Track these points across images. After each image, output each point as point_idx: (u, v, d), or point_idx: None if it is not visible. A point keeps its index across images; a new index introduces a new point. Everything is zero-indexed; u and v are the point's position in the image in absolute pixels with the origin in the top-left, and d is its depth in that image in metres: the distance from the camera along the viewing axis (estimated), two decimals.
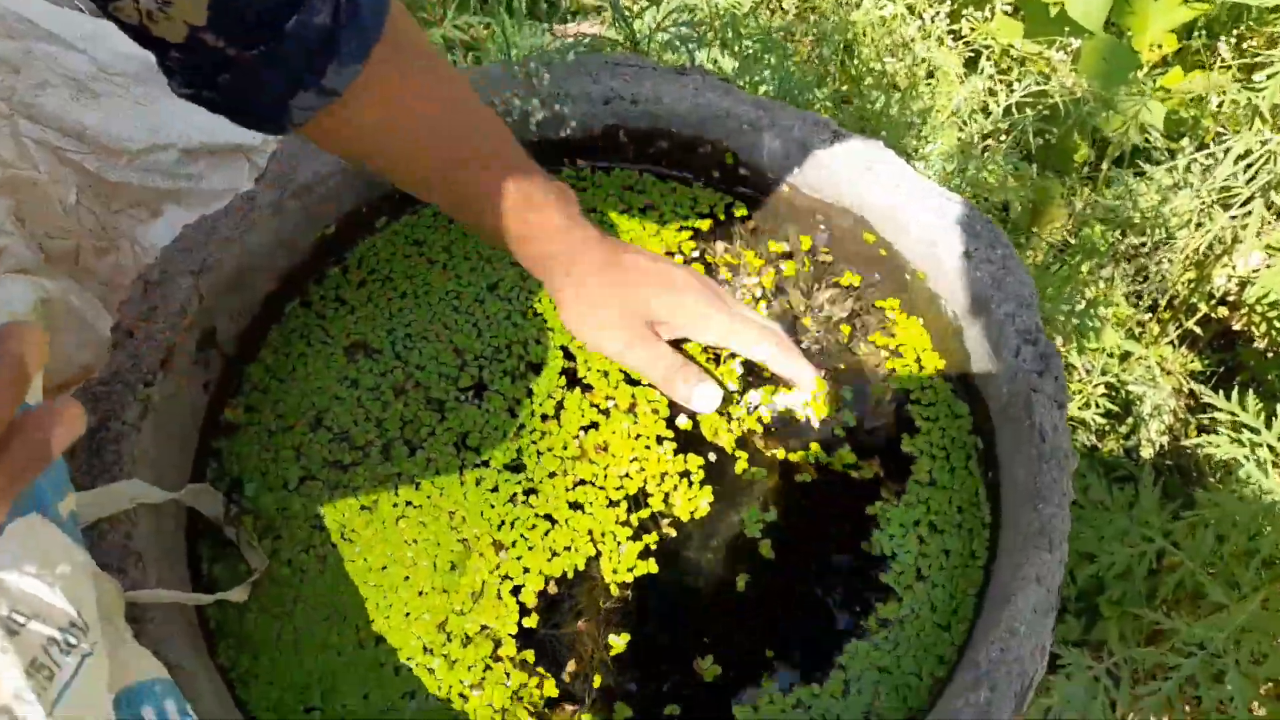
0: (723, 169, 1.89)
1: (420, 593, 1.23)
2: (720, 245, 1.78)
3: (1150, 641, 2.36)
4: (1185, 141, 2.53)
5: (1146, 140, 2.59)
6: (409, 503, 1.30)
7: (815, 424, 1.41)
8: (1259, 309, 2.76)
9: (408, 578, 1.24)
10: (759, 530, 1.31)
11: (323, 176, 1.69)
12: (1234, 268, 2.90)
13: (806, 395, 1.46)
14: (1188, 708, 1.98)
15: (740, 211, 1.86)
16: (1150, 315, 2.76)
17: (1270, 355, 2.94)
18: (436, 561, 1.24)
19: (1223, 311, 2.95)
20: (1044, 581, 1.25)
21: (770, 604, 1.27)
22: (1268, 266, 2.91)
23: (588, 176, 1.73)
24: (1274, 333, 2.71)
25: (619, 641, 1.18)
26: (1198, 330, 2.75)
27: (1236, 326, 2.88)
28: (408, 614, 1.22)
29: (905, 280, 1.85)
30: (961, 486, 1.55)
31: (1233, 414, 2.04)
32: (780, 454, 1.36)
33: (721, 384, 1.35)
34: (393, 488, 1.30)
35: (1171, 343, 2.75)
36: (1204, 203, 2.50)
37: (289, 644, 1.19)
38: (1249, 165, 2.10)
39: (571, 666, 1.18)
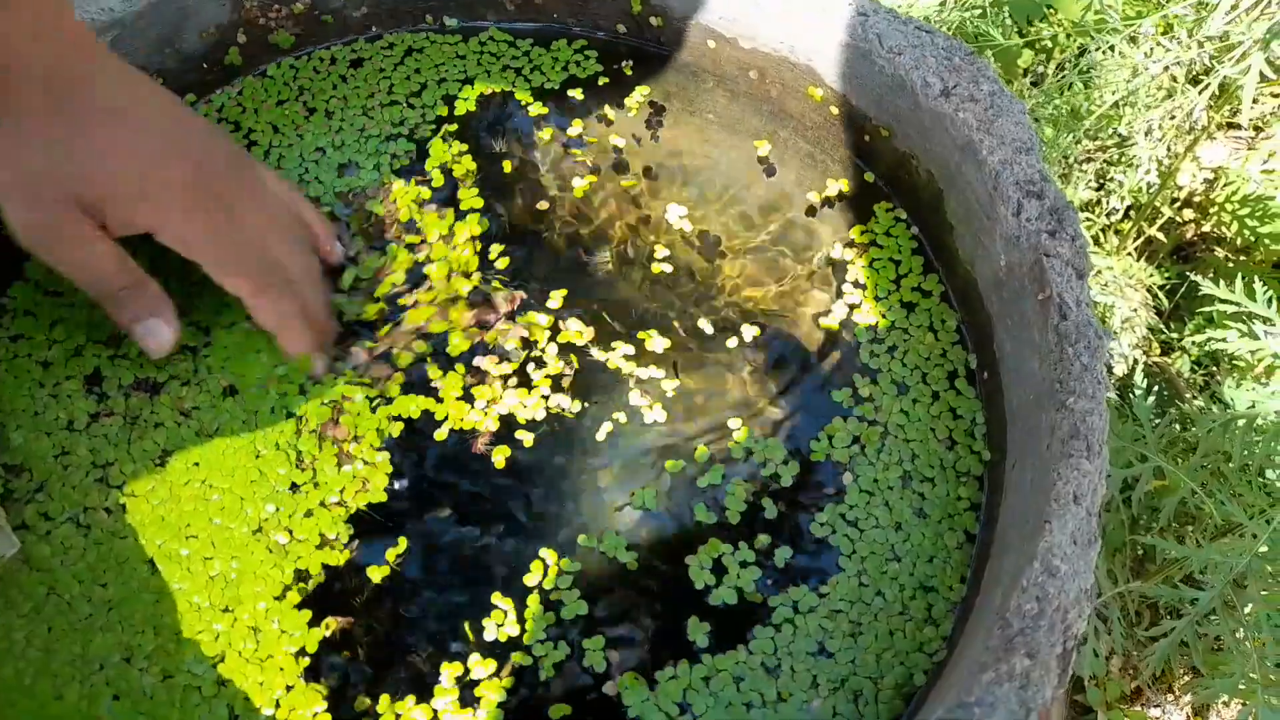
0: (629, 21, 1.50)
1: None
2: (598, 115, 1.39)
3: (1136, 576, 2.06)
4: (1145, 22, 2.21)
5: (1092, 39, 2.29)
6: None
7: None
8: (1229, 207, 2.48)
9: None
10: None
11: None
12: (1199, 162, 2.62)
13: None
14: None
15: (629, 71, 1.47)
16: (1108, 225, 2.47)
17: (1233, 263, 2.67)
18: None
19: (1187, 214, 2.68)
20: (1083, 500, 0.90)
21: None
22: (1237, 161, 2.63)
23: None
24: (1245, 232, 2.44)
25: None
26: (1161, 237, 2.46)
27: (1207, 228, 2.61)
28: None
29: (865, 143, 1.47)
30: (940, 396, 1.20)
31: (1236, 304, 1.74)
32: None
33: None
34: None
35: (1130, 254, 2.47)
36: (1173, 78, 2.20)
37: (35, 662, 1.01)
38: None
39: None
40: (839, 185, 1.49)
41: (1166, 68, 2.27)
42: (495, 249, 1.44)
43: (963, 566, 1.18)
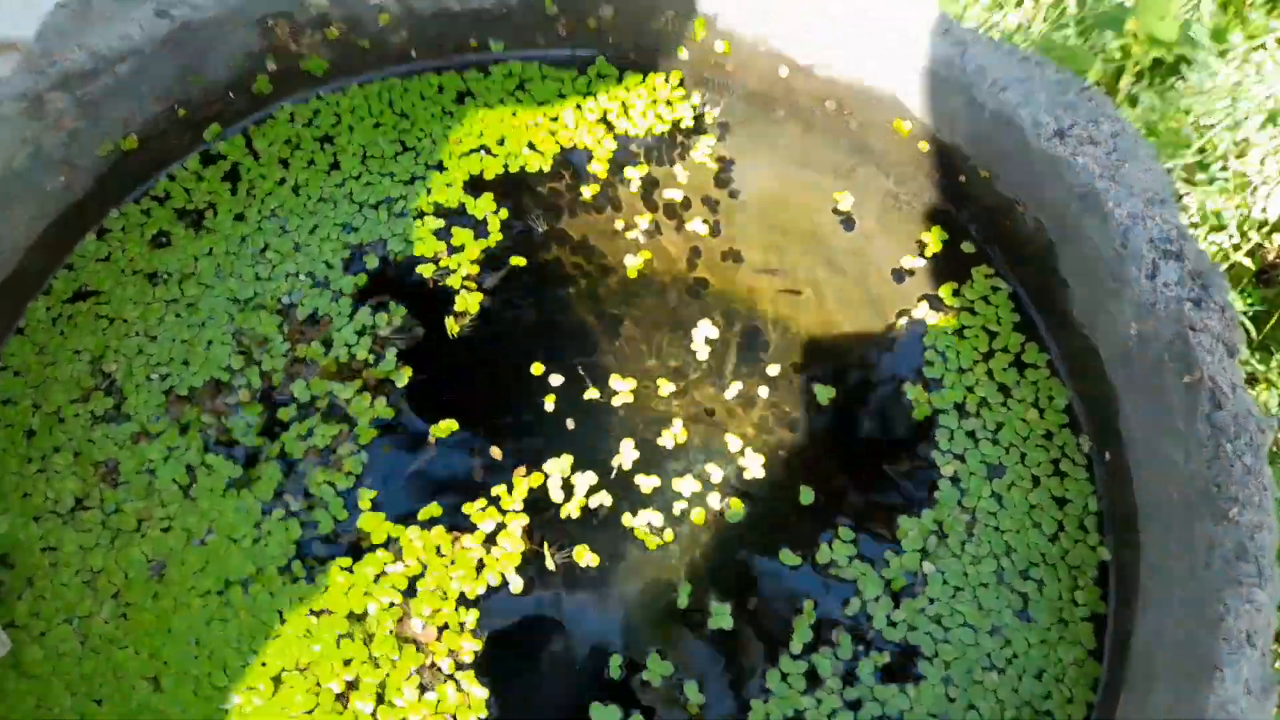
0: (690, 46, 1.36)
1: None
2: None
3: None
4: (1235, 39, 2.02)
5: (1176, 53, 2.09)
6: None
7: None
8: None
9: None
10: None
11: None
12: None
13: None
14: None
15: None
16: None
17: None
18: None
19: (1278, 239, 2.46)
20: (1258, 640, 0.73)
21: None
22: None
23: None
24: None
25: None
26: (1246, 262, 2.25)
27: None
28: None
29: (960, 185, 1.31)
30: (1042, 481, 1.04)
31: None
32: None
33: None
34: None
35: None
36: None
37: None
38: None
39: None
40: (927, 235, 1.34)
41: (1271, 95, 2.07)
42: None
43: (1085, 689, 1.01)
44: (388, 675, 1.07)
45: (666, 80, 1.49)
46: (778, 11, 1.34)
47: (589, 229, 1.41)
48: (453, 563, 1.15)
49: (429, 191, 1.43)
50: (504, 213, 1.42)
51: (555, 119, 1.48)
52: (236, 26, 1.34)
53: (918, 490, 1.21)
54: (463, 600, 1.13)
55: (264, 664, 1.06)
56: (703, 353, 1.29)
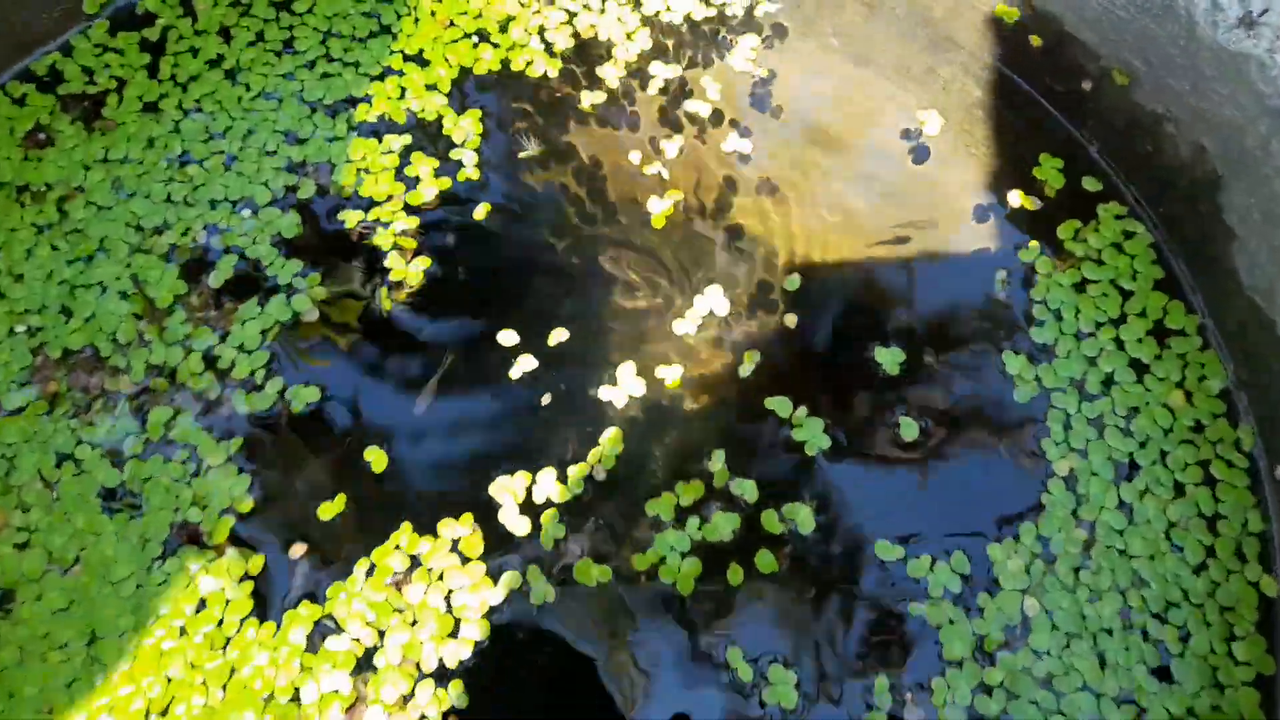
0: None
1: None
2: None
3: None
4: None
5: None
6: None
7: None
8: None
9: None
10: None
11: None
12: None
13: None
14: None
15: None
16: None
17: None
18: None
19: None
20: None
21: None
22: None
23: None
24: None
25: None
26: None
27: None
28: None
29: (1082, 96, 1.00)
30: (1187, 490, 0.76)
31: None
32: None
33: None
34: None
35: None
36: None
37: None
38: None
39: None
40: (1034, 163, 1.02)
41: None
42: None
43: None
44: None
45: None
46: None
47: (600, 151, 1.10)
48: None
49: (402, 94, 1.13)
50: (479, 130, 1.12)
51: None
52: None
53: (1018, 496, 0.93)
54: None
55: None
56: (720, 307, 1.01)
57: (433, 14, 1.18)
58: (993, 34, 1.03)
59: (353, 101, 1.13)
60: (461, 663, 0.86)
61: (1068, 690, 0.85)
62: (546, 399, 0.97)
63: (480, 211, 1.07)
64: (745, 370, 0.99)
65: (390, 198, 1.07)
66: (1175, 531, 0.90)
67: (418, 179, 1.09)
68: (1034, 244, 1.01)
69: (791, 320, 1.01)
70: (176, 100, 1.11)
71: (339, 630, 0.86)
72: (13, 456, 0.92)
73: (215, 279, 1.02)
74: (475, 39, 1.18)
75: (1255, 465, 0.90)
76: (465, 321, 1.02)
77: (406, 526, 0.90)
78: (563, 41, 1.17)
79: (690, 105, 1.12)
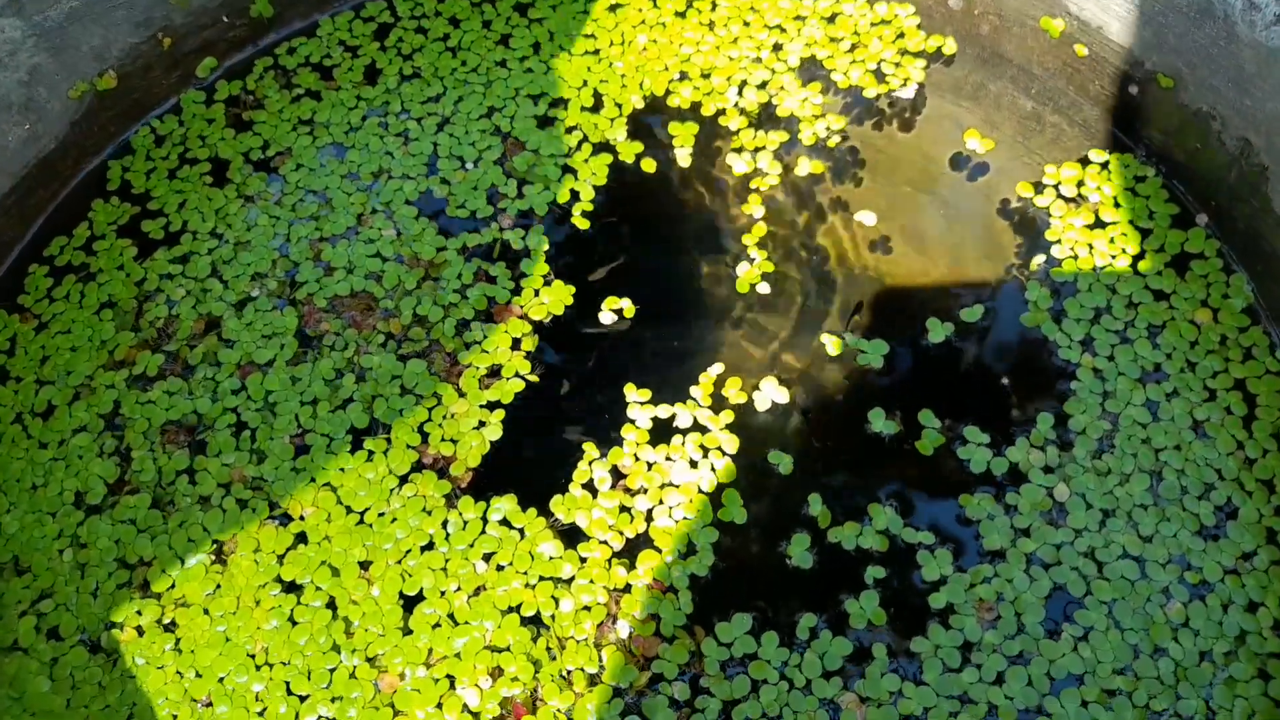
0: None
1: None
2: None
3: None
4: None
5: None
6: None
7: None
8: None
9: None
10: None
11: None
12: None
13: None
14: None
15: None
16: None
17: None
18: None
19: None
20: None
21: None
22: None
23: None
24: None
25: None
26: None
27: None
28: None
29: (1129, 100, 1.03)
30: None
31: None
32: None
33: None
34: None
35: None
36: None
37: None
38: None
39: None
40: (1077, 167, 1.06)
41: None
42: None
43: None
44: None
45: None
46: None
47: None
48: None
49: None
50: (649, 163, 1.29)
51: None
52: None
53: (1042, 397, 1.01)
54: None
55: None
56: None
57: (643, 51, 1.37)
58: (1040, 46, 1.08)
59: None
60: None
61: (1109, 559, 0.94)
62: None
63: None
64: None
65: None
66: (1208, 425, 0.98)
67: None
68: (1080, 244, 1.06)
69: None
70: None
71: None
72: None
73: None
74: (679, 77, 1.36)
75: None
76: None
77: None
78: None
79: None
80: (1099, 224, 1.10)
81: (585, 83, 1.35)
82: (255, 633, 0.99)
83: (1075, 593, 0.92)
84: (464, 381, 1.13)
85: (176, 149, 1.32)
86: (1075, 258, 1.09)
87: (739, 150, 1.25)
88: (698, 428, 1.07)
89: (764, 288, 1.14)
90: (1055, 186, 1.11)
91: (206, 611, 1.00)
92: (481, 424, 1.10)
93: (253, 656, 0.98)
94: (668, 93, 1.31)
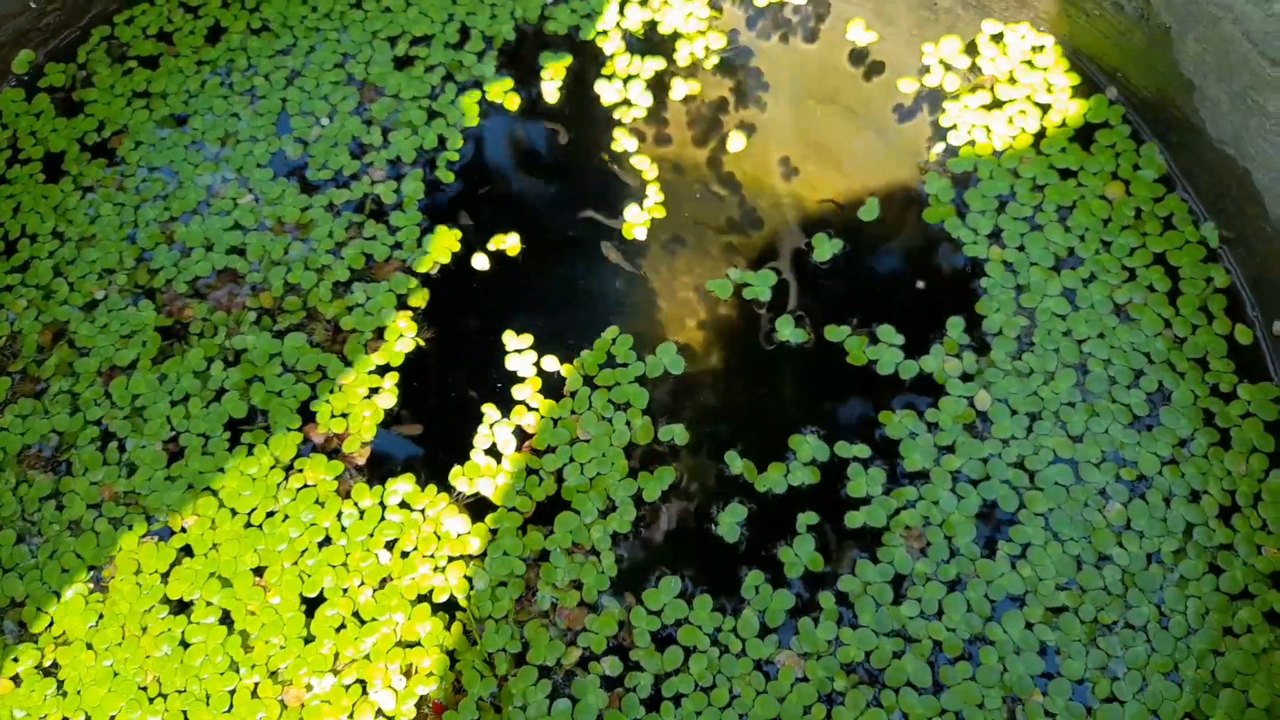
0: None
1: None
2: None
3: None
4: None
5: None
6: None
7: None
8: None
9: None
10: None
11: None
12: None
13: None
14: None
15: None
16: None
17: None
18: None
19: None
20: None
21: None
22: None
23: None
24: None
25: None
26: None
27: None
28: None
29: None
30: None
31: None
32: None
33: None
34: None
35: None
36: None
37: None
38: None
39: None
40: (965, 42, 0.98)
41: None
42: None
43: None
44: None
45: None
46: None
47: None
48: None
49: None
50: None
51: None
52: None
53: (952, 298, 0.98)
54: None
55: None
56: None
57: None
58: None
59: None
60: None
61: (1040, 466, 0.90)
62: None
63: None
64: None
65: None
66: (1131, 307, 0.94)
67: None
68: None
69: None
70: None
71: None
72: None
73: None
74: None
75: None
76: None
77: None
78: None
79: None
80: (996, 104, 1.05)
81: (451, 16, 1.25)
82: (145, 662, 0.91)
83: (1008, 508, 0.88)
84: (348, 349, 1.05)
85: (4, 154, 1.20)
86: (973, 143, 1.04)
87: (609, 78, 1.17)
88: (593, 385, 1.01)
89: (659, 228, 1.06)
90: (947, 65, 1.05)
91: (90, 646, 0.92)
92: (374, 391, 1.03)
93: (144, 689, 0.90)
94: (543, 18, 1.22)
